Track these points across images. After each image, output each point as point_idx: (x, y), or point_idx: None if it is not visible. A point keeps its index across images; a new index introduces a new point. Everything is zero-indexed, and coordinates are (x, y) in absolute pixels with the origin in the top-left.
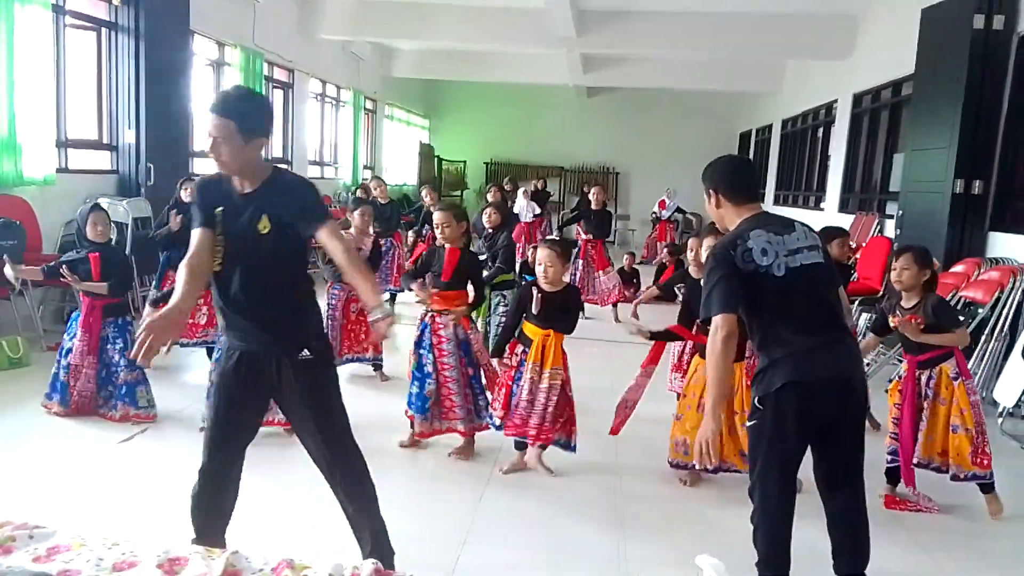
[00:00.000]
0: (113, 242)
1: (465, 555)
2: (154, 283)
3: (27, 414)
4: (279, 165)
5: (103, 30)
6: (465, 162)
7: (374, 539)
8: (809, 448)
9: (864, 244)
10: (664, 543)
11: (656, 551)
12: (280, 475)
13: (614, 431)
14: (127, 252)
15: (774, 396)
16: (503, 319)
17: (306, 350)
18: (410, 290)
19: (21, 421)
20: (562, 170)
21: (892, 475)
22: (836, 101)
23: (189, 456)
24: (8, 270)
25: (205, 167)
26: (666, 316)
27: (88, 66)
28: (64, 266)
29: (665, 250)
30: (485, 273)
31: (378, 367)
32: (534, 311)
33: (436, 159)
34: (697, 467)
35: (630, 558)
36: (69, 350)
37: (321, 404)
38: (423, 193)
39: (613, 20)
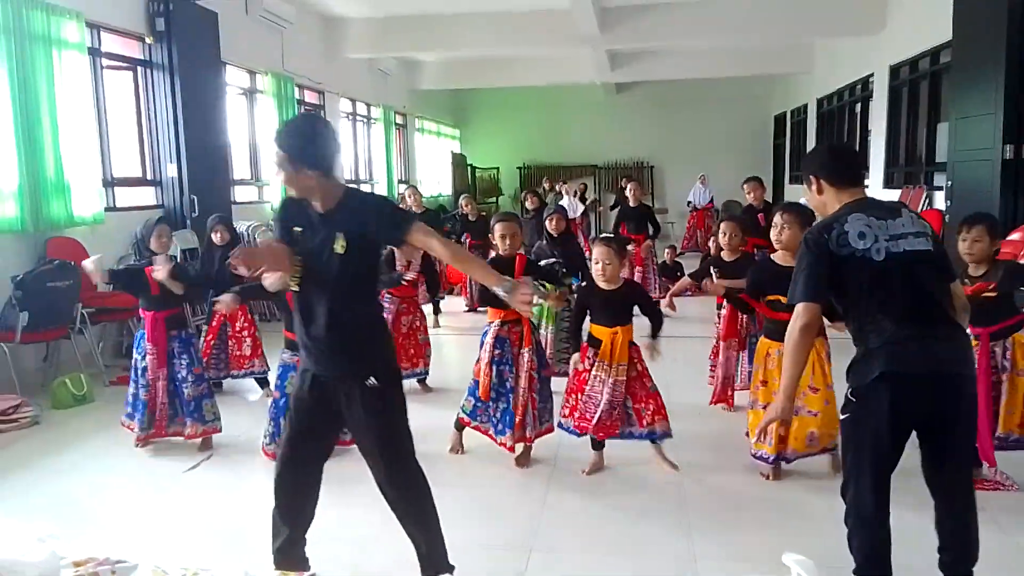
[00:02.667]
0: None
1: (534, 561)
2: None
3: (94, 449)
4: (351, 186)
5: (139, 68)
6: (498, 168)
7: (432, 557)
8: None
9: None
10: (735, 539)
11: (728, 548)
12: (352, 494)
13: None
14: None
15: (867, 388)
16: (566, 324)
17: (373, 378)
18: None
19: (89, 456)
20: (595, 168)
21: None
22: (872, 75)
23: (254, 480)
24: (90, 266)
25: (246, 195)
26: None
27: (127, 104)
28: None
29: (712, 240)
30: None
31: (423, 379)
32: (596, 311)
33: (469, 168)
34: (765, 454)
35: (700, 556)
36: (145, 368)
37: (385, 429)
38: (462, 202)
39: (636, 14)
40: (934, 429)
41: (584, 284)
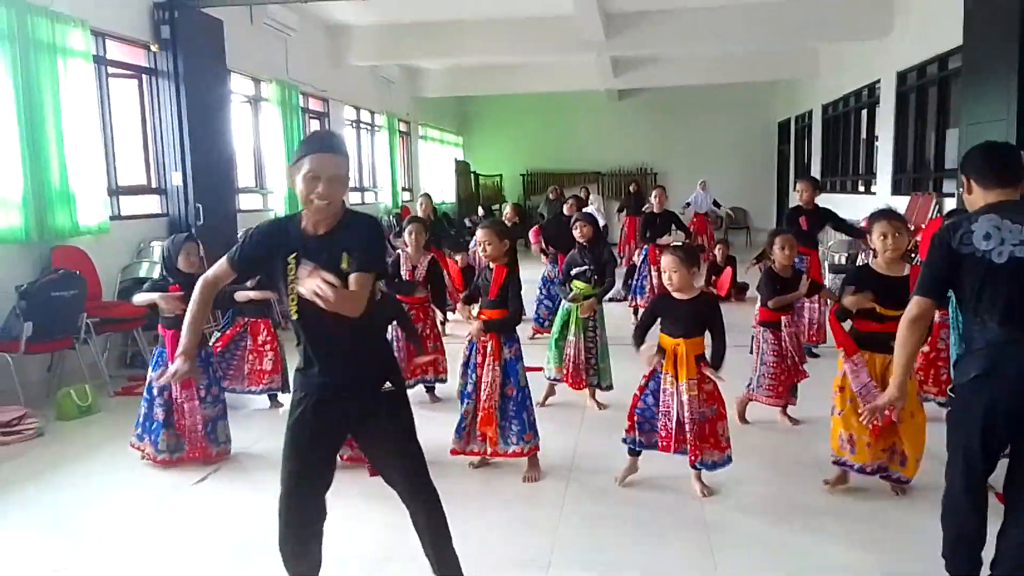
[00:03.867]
0: None
1: None
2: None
3: (101, 462)
4: (349, 208)
5: (143, 76)
6: (501, 175)
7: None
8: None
9: (924, 225)
10: (748, 563)
11: (746, 571)
12: (363, 510)
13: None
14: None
15: (965, 387)
16: (590, 334)
17: (388, 382)
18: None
19: (96, 469)
20: (599, 175)
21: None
22: (879, 81)
23: (264, 493)
24: (158, 300)
25: (251, 203)
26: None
27: (132, 113)
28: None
29: (718, 248)
30: (581, 286)
31: (431, 388)
32: (665, 320)
33: (473, 175)
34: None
35: (721, 565)
36: (164, 388)
37: (403, 432)
38: (507, 210)
39: (641, 21)
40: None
41: (665, 292)
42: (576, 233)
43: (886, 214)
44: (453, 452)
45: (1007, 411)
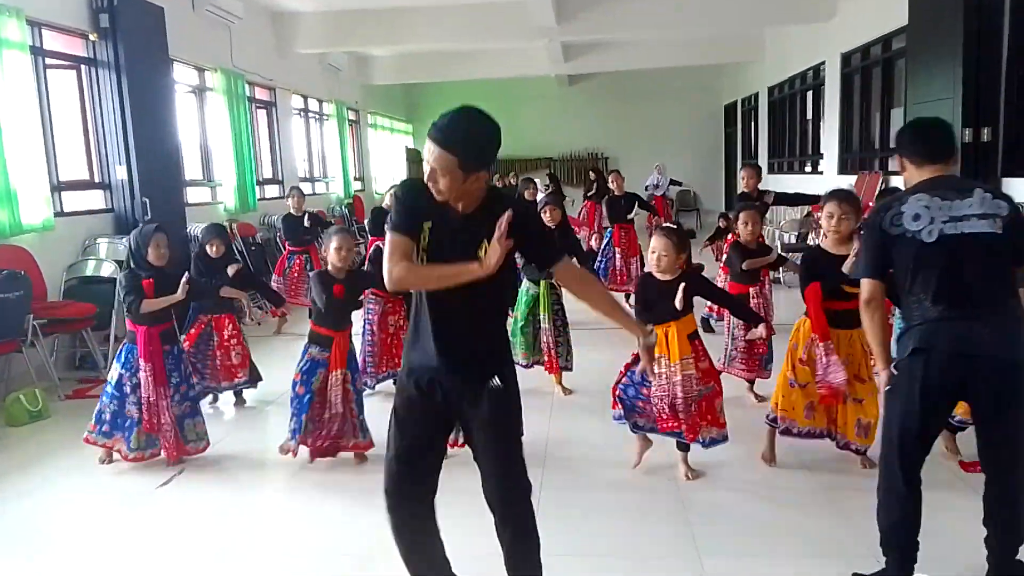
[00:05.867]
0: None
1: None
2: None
3: (59, 467)
4: (494, 186)
5: (83, 67)
6: None
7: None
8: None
9: (872, 204)
10: (741, 536)
11: (735, 545)
12: (366, 505)
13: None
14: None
15: (903, 363)
16: (556, 317)
17: (496, 378)
18: None
19: (54, 475)
20: (550, 160)
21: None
22: (824, 63)
23: (232, 494)
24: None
25: (199, 196)
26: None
27: (72, 105)
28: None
29: (720, 219)
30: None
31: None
32: (679, 307)
33: (423, 162)
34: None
35: (705, 552)
36: (137, 385)
37: (507, 429)
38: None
39: (592, 5)
40: (977, 410)
41: (647, 273)
42: (545, 217)
43: (839, 194)
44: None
45: (943, 384)
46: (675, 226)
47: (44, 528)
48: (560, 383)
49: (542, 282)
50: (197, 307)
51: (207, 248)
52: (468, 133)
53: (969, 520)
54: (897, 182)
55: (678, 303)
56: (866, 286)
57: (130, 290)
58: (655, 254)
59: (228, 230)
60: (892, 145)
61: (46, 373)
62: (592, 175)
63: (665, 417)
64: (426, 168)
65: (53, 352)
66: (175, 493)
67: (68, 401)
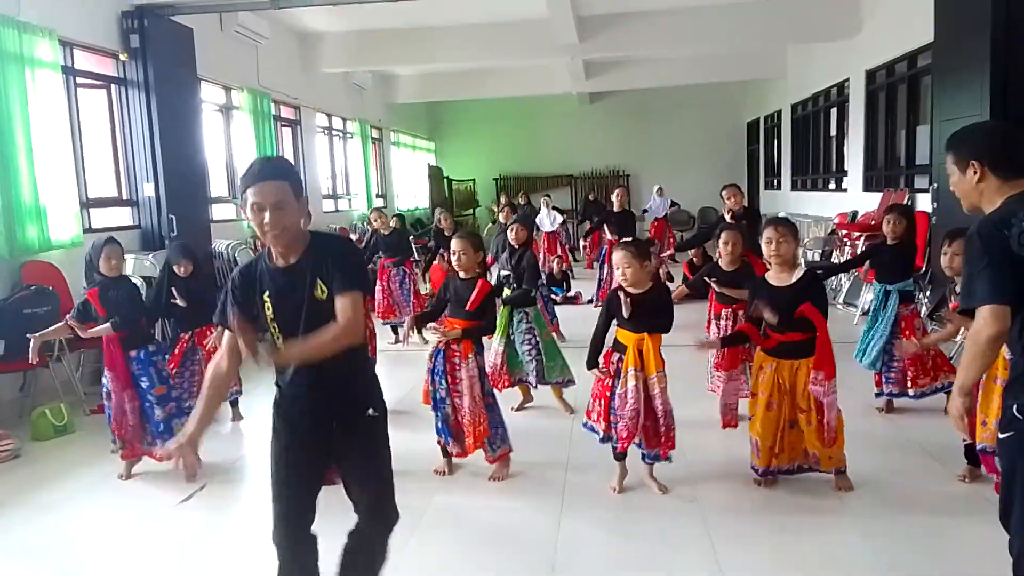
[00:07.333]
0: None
1: None
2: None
3: (81, 482)
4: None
5: (113, 86)
6: (474, 180)
7: None
8: None
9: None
10: (760, 552)
11: (755, 559)
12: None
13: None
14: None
15: None
16: (527, 336)
17: (371, 409)
18: (420, 334)
19: (76, 490)
20: (571, 178)
21: (973, 457)
22: (848, 80)
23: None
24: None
25: (224, 213)
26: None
27: (102, 123)
28: (70, 319)
29: (662, 268)
30: (507, 292)
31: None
32: (625, 315)
33: (446, 180)
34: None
35: (726, 568)
36: (109, 392)
37: (380, 459)
38: (439, 216)
39: (614, 24)
40: None
41: (617, 287)
42: (511, 235)
43: (773, 221)
44: (459, 455)
45: None
46: (633, 239)
47: (68, 542)
48: (561, 398)
49: (503, 306)
50: (175, 325)
51: (175, 269)
52: (280, 162)
53: None
54: (922, 199)
55: (625, 312)
56: (994, 315)
57: (76, 309)
58: (619, 269)
59: (252, 247)
60: (954, 146)
61: (72, 388)
62: (591, 195)
63: (625, 436)
64: (263, 218)
65: (79, 367)
66: (197, 509)
67: (93, 416)
